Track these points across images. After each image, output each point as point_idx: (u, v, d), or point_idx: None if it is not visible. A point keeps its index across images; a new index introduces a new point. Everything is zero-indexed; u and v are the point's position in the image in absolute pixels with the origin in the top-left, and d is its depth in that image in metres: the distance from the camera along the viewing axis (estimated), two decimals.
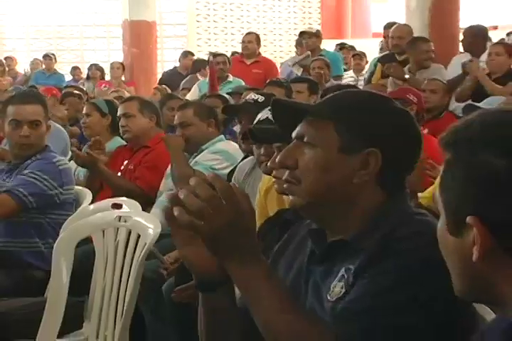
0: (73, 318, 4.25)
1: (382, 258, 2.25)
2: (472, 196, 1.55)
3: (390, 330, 2.12)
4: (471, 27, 10.42)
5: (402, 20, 11.15)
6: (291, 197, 2.45)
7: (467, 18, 11.44)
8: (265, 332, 2.15)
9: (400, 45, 9.92)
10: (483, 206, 1.53)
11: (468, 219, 1.52)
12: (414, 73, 9.26)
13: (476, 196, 1.55)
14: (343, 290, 2.31)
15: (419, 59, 9.48)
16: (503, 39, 10.87)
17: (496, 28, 12.77)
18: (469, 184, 1.57)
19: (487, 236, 1.52)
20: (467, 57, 9.62)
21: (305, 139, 2.39)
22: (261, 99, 4.84)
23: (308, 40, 12.30)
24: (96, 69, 14.81)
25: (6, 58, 16.08)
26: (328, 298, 2.33)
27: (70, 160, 6.20)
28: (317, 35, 12.66)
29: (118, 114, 6.34)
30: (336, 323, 2.17)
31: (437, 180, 1.82)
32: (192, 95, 9.77)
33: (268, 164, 2.99)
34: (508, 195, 1.52)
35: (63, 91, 9.87)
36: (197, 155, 5.70)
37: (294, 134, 2.45)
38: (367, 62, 13.01)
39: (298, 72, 11.23)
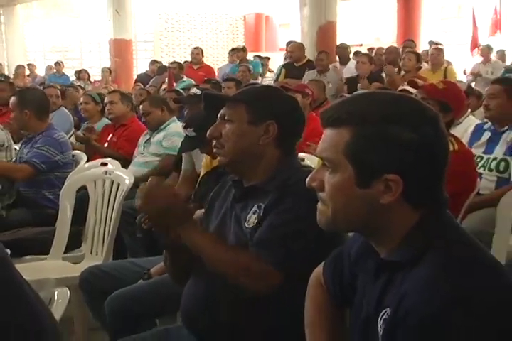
0: (75, 240, 4.49)
1: (284, 198, 2.35)
2: (395, 160, 1.54)
3: (290, 252, 2.26)
4: (340, 44, 11.79)
5: (298, 39, 12.16)
6: (218, 157, 2.57)
7: (341, 38, 11.31)
8: (210, 263, 2.34)
9: (294, 56, 10.89)
10: (404, 167, 1.53)
11: (392, 176, 1.54)
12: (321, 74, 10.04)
13: (399, 161, 1.53)
14: (256, 221, 2.37)
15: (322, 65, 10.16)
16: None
17: (361, 45, 12.73)
18: (387, 152, 1.54)
19: (400, 187, 1.54)
20: (338, 64, 11.25)
21: (225, 117, 2.53)
22: (198, 92, 5.01)
23: (237, 53, 13.48)
24: (85, 73, 15.73)
25: (28, 65, 17.94)
26: (246, 225, 2.41)
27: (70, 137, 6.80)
28: (243, 50, 14.02)
29: (105, 101, 6.90)
30: (254, 246, 2.33)
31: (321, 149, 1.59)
32: None
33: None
34: (417, 160, 1.54)
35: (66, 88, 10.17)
36: (156, 134, 5.94)
37: (219, 115, 2.57)
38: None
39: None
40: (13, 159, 5.29)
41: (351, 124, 1.57)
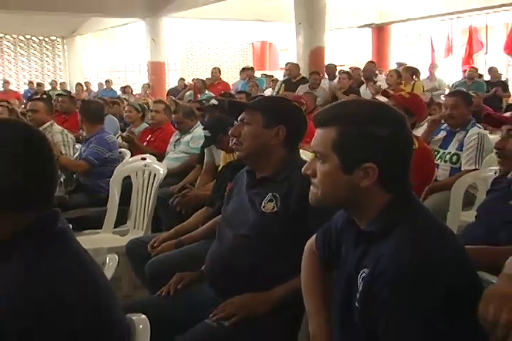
0: (121, 218, 4.51)
1: (292, 189, 2.33)
2: (371, 151, 1.55)
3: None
4: (329, 64, 11.74)
5: (294, 60, 11.84)
6: (237, 152, 2.55)
7: (328, 59, 11.36)
8: None
9: (291, 74, 10.79)
10: (379, 157, 1.54)
11: (370, 164, 1.55)
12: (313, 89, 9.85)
13: (375, 151, 1.55)
14: (276, 209, 2.34)
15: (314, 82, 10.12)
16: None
17: (342, 65, 12.59)
18: (366, 146, 1.55)
19: (376, 174, 1.55)
20: (327, 80, 11.00)
21: (244, 121, 2.51)
22: (216, 103, 5.13)
23: (247, 72, 13.21)
24: (128, 88, 15.52)
25: (85, 83, 17.90)
26: (263, 209, 2.38)
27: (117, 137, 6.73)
28: (252, 69, 13.71)
29: (151, 109, 6.96)
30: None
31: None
32: None
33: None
34: (388, 151, 1.56)
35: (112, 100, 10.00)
36: (184, 135, 5.85)
37: (239, 118, 2.54)
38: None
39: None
40: (75, 155, 5.34)
41: (337, 124, 1.57)
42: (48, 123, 5.38)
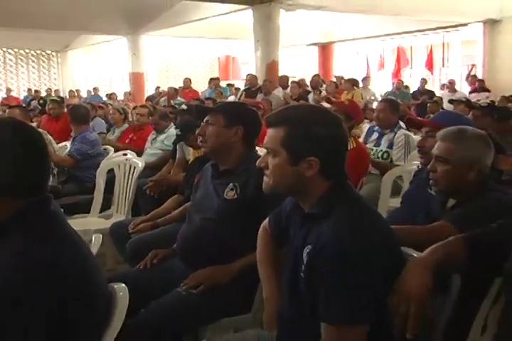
0: (106, 204, 4.45)
1: (249, 180, 2.31)
2: (313, 147, 1.55)
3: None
4: (282, 75, 11.63)
5: (253, 72, 11.78)
6: (203, 149, 2.53)
7: (282, 71, 11.75)
8: None
9: (251, 84, 10.57)
10: (319, 151, 1.54)
11: (312, 158, 1.55)
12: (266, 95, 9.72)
13: (316, 147, 1.55)
14: (236, 196, 2.34)
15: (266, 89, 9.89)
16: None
17: (294, 77, 12.79)
18: (309, 143, 1.55)
19: (317, 166, 1.55)
20: (280, 88, 10.78)
21: (208, 122, 2.48)
22: (185, 107, 5.12)
23: (213, 81, 13.18)
24: (113, 94, 15.51)
25: (76, 90, 17.45)
26: (225, 197, 2.36)
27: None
28: (218, 79, 13.88)
29: (136, 112, 6.70)
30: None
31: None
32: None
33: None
34: (327, 147, 1.56)
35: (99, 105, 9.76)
36: (160, 135, 5.75)
37: (204, 120, 2.52)
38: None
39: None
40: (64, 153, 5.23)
41: (285, 125, 1.57)
42: None
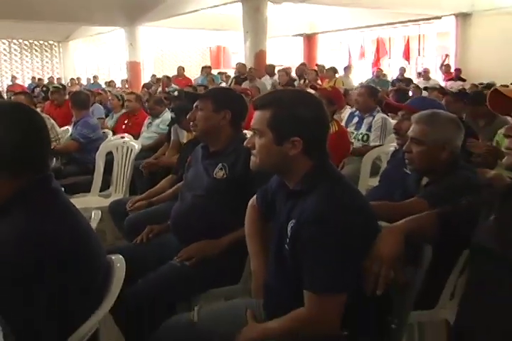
0: (105, 184, 4.38)
1: (238, 160, 2.29)
2: (297, 127, 1.54)
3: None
4: (269, 64, 11.33)
5: (243, 61, 11.66)
6: (194, 132, 2.59)
7: (269, 60, 11.68)
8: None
9: (240, 72, 10.64)
10: (302, 132, 1.54)
11: (296, 138, 1.54)
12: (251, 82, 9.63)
13: (299, 128, 1.54)
14: (225, 176, 2.32)
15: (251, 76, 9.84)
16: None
17: (281, 65, 12.73)
18: (293, 124, 1.53)
19: (301, 145, 1.55)
20: (268, 76, 10.61)
21: (198, 107, 2.44)
22: (177, 94, 5.03)
23: (205, 69, 12.89)
24: (111, 82, 15.31)
25: (77, 78, 16.79)
26: (215, 176, 2.34)
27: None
28: (209, 68, 13.43)
29: (125, 99, 6.58)
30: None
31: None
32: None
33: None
34: (310, 127, 1.55)
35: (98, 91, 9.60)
36: (155, 119, 5.69)
37: (194, 105, 2.48)
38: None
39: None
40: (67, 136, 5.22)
41: (271, 108, 1.56)
42: None
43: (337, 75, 10.54)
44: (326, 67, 11.12)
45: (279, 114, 1.55)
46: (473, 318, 1.37)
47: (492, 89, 1.40)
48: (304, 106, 1.56)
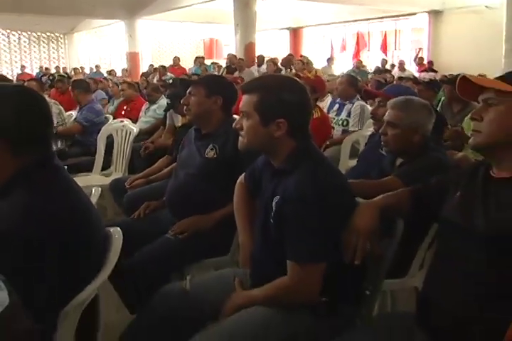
0: (106, 164, 4.30)
1: (227, 141, 2.26)
2: (282, 110, 1.51)
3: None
4: (259, 55, 11.30)
5: (234, 52, 11.64)
6: (187, 116, 2.44)
7: (258, 52, 11.57)
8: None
9: (231, 62, 10.53)
10: (287, 114, 1.51)
11: (281, 120, 1.51)
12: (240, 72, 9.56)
13: (284, 110, 1.51)
14: (216, 156, 2.30)
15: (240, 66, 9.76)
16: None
17: (269, 57, 12.47)
18: (278, 107, 1.51)
19: (285, 127, 1.52)
20: (256, 67, 10.58)
21: (191, 93, 2.41)
22: (171, 81, 4.89)
23: (199, 60, 12.75)
24: (112, 71, 14.99)
25: (80, 67, 16.25)
26: (206, 156, 2.32)
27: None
28: (203, 58, 13.30)
29: (120, 88, 6.53)
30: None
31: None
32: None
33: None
34: (294, 110, 1.52)
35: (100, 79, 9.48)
36: (152, 105, 5.59)
37: (187, 91, 2.44)
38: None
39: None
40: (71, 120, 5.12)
41: (258, 92, 1.53)
42: None
43: (317, 66, 10.62)
44: (309, 59, 11.16)
45: (265, 98, 1.52)
46: (438, 286, 1.38)
47: (460, 76, 1.38)
48: (289, 90, 1.53)
